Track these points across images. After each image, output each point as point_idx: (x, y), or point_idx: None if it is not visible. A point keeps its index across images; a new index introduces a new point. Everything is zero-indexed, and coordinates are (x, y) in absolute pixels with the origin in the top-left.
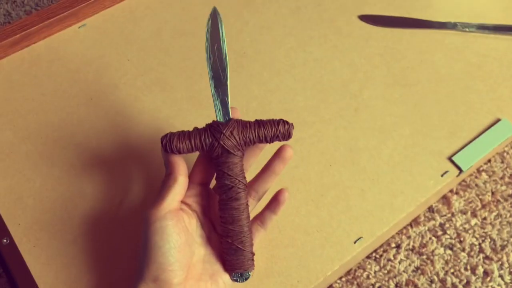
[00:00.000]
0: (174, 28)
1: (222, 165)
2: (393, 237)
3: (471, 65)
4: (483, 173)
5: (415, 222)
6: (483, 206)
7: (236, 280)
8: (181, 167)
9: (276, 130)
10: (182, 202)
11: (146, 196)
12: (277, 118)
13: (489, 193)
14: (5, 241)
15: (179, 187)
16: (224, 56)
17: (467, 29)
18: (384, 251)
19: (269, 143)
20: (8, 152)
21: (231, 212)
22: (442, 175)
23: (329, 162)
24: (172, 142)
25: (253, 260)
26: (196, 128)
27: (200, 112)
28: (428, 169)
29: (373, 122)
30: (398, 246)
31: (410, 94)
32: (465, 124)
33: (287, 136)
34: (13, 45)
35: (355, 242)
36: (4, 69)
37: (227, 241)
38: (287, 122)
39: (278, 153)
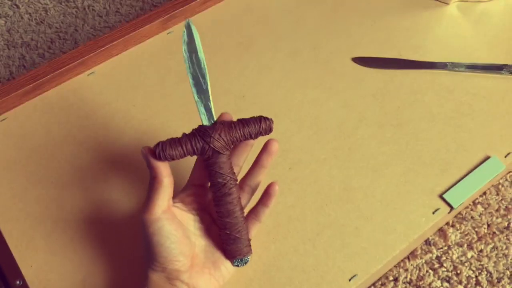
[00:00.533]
0: (178, 74)
1: (214, 165)
2: (391, 270)
3: (461, 103)
4: (479, 206)
5: (412, 255)
6: (479, 239)
7: (237, 265)
8: (164, 169)
9: (259, 127)
10: (180, 201)
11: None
12: (257, 115)
13: (485, 226)
14: (18, 283)
15: (166, 189)
16: (202, 64)
17: (456, 69)
18: (382, 284)
19: (254, 139)
20: (22, 196)
21: (226, 207)
22: (433, 213)
23: (325, 201)
24: (165, 151)
25: (250, 245)
26: (184, 134)
27: None
28: (420, 206)
29: (367, 161)
30: (395, 279)
31: (402, 133)
32: (456, 161)
33: (268, 130)
34: (26, 94)
35: (350, 280)
36: (18, 117)
37: (226, 233)
38: (267, 118)
39: (264, 148)
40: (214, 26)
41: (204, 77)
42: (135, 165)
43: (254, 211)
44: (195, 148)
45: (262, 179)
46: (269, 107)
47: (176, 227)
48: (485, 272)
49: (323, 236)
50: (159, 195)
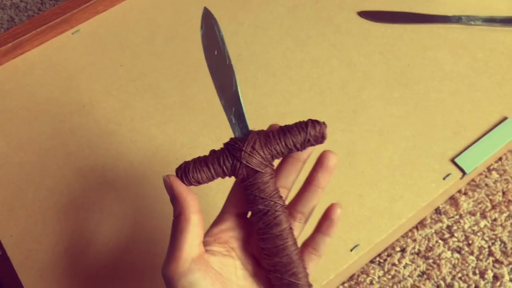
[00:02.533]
0: (167, 31)
1: (251, 187)
2: (397, 240)
3: (477, 60)
4: (494, 172)
5: (421, 224)
6: (493, 207)
7: None
8: (192, 202)
9: (306, 133)
10: (215, 240)
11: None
12: (304, 120)
13: (500, 193)
14: None
15: (195, 228)
16: (227, 62)
17: (472, 23)
18: (388, 255)
19: (301, 150)
20: (1, 163)
21: (273, 241)
22: (444, 178)
23: None
24: (188, 173)
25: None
26: (213, 151)
27: (193, 118)
28: (429, 171)
29: (372, 124)
30: (403, 250)
31: (412, 93)
32: (470, 123)
33: (320, 138)
34: (6, 54)
35: (351, 250)
36: None
37: (277, 276)
38: (317, 122)
39: (319, 162)
40: None
41: (231, 78)
42: (123, 129)
43: (311, 242)
44: (224, 167)
45: (318, 202)
46: (267, 67)
47: (213, 282)
48: (499, 242)
49: (324, 204)
50: (187, 238)
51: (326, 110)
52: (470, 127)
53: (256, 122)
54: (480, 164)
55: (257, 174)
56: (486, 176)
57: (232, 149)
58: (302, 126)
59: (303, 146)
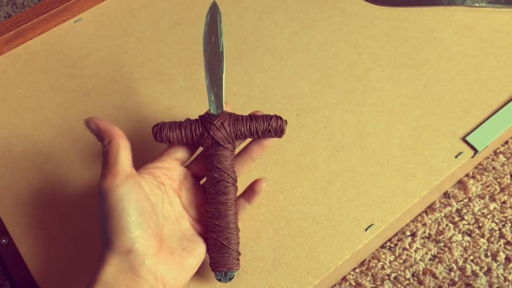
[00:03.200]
0: (172, 17)
1: (212, 157)
2: (407, 225)
3: (482, 41)
4: (501, 155)
5: (430, 208)
6: (502, 190)
7: (220, 280)
8: (118, 131)
9: (268, 124)
10: (149, 173)
11: None
12: (271, 114)
13: (508, 176)
14: (4, 241)
15: (126, 150)
16: (220, 49)
17: (477, 4)
18: (399, 239)
19: (261, 137)
20: (6, 151)
21: (218, 207)
22: (456, 157)
23: (336, 148)
24: (162, 131)
25: (238, 259)
26: (188, 119)
27: (200, 102)
28: (441, 151)
29: (381, 105)
30: (413, 234)
31: (419, 74)
32: (479, 102)
33: (279, 132)
34: (8, 43)
35: (366, 230)
36: (0, 67)
37: (212, 237)
38: (280, 118)
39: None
40: None
41: (220, 62)
42: (130, 115)
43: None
44: (194, 133)
45: (246, 171)
46: (273, 50)
47: (145, 198)
48: (509, 224)
49: (335, 184)
50: (120, 157)
51: (334, 92)
52: (480, 105)
53: (265, 105)
54: (492, 141)
55: (219, 146)
56: (493, 160)
57: (204, 121)
58: (267, 117)
59: (263, 134)
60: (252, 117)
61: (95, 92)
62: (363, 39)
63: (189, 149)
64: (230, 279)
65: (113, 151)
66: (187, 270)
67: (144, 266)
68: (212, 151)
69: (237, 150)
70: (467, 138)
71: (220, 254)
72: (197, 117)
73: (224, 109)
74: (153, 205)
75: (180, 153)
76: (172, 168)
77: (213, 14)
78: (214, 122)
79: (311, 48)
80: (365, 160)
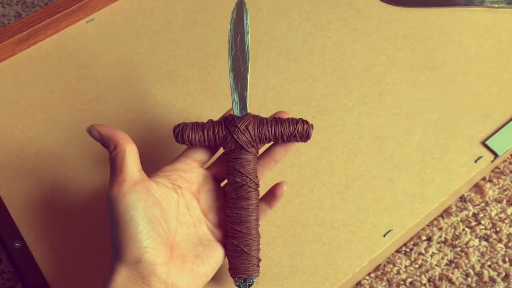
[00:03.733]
0: (185, 18)
1: (234, 161)
2: (423, 229)
3: (502, 42)
4: None
5: (446, 213)
6: None
7: (239, 286)
8: (122, 135)
9: (294, 129)
10: (166, 176)
11: None
12: (297, 118)
13: None
14: (17, 244)
15: (132, 155)
16: (246, 48)
17: (496, 5)
18: (415, 244)
19: (286, 142)
20: (18, 153)
21: (239, 212)
22: (475, 161)
23: (353, 151)
24: (184, 132)
25: (258, 266)
26: (211, 121)
27: (215, 104)
28: (460, 155)
29: (399, 108)
30: (429, 239)
31: (437, 76)
32: (499, 105)
33: (305, 136)
34: (20, 43)
35: (384, 236)
36: (12, 68)
37: (233, 243)
38: (307, 122)
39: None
40: None
41: (245, 62)
42: (144, 117)
43: None
44: (217, 136)
45: (268, 172)
46: (288, 52)
47: (153, 205)
48: None
49: (352, 189)
50: (126, 162)
51: (350, 94)
52: (499, 109)
53: (280, 107)
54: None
55: (242, 150)
56: (510, 163)
57: (228, 123)
58: (293, 121)
59: (288, 139)
60: (278, 120)
61: (108, 94)
62: (379, 40)
63: (209, 150)
64: (249, 286)
65: (119, 157)
66: (200, 278)
67: (154, 275)
68: (235, 155)
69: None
70: (487, 142)
71: (240, 261)
72: (220, 119)
73: (248, 111)
74: (163, 211)
75: (200, 155)
76: (190, 170)
77: (240, 11)
78: (239, 125)
79: (326, 50)
80: (383, 164)
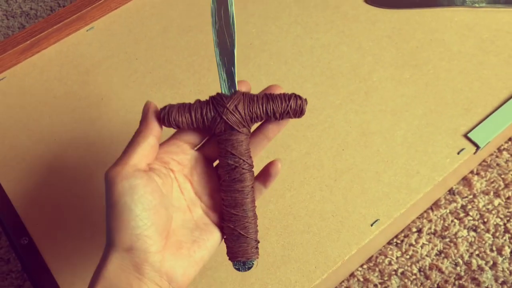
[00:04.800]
0: (180, 25)
1: (225, 142)
2: (413, 221)
3: (483, 40)
4: (504, 152)
5: (435, 205)
6: (506, 186)
7: (239, 269)
8: (156, 128)
9: (287, 105)
10: (157, 159)
11: None
12: (290, 93)
13: None
14: (24, 241)
15: (148, 147)
16: (231, 21)
17: (476, 5)
18: (405, 236)
19: (279, 119)
20: (24, 156)
21: (234, 195)
22: (458, 153)
23: (341, 146)
24: (170, 115)
25: (257, 248)
26: (198, 101)
27: None
28: (443, 147)
29: (385, 104)
30: (419, 231)
31: (421, 73)
32: (480, 100)
33: (299, 112)
34: (24, 52)
35: (372, 225)
36: (17, 75)
37: (229, 226)
38: (300, 97)
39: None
40: None
41: (231, 36)
42: (140, 117)
43: None
44: (205, 117)
45: (262, 150)
46: (279, 54)
47: (153, 191)
48: None
49: (341, 182)
50: (139, 149)
51: (338, 92)
52: (481, 103)
53: None
54: (493, 138)
55: (233, 131)
56: (497, 156)
57: (216, 103)
58: (285, 97)
59: (281, 116)
60: (269, 96)
61: (108, 98)
62: (365, 41)
63: (200, 132)
64: (249, 268)
65: (135, 142)
66: (197, 263)
67: (147, 263)
68: (226, 136)
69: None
70: (469, 135)
71: (238, 244)
72: (208, 98)
73: (237, 88)
74: (162, 198)
75: (191, 137)
76: (181, 152)
77: None
78: (227, 105)
79: (315, 51)
80: (369, 158)
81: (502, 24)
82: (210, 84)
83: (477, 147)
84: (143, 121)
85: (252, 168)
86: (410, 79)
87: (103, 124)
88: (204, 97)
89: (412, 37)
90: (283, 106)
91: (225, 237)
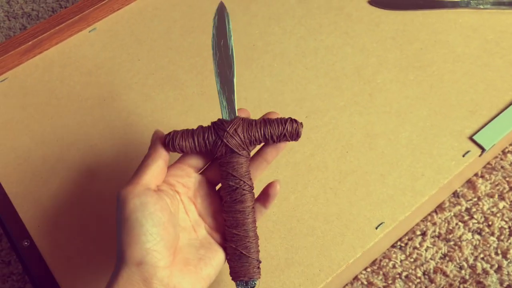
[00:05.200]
0: (183, 26)
1: (226, 165)
2: (417, 224)
3: (488, 42)
4: (509, 155)
5: (439, 208)
6: (511, 188)
7: None
8: (164, 152)
9: (283, 128)
10: (164, 181)
11: None
12: (286, 117)
13: None
14: (25, 243)
15: (158, 169)
16: (230, 52)
17: (481, 6)
18: (409, 239)
19: (276, 142)
20: (26, 157)
21: (235, 215)
22: (463, 155)
23: (346, 148)
24: (175, 140)
25: (259, 268)
26: (200, 126)
27: (212, 107)
28: (448, 150)
29: (389, 106)
30: (423, 234)
31: (426, 75)
32: (485, 102)
33: (295, 135)
34: (26, 53)
35: (376, 228)
36: (19, 76)
37: (231, 246)
38: (295, 121)
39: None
40: None
41: (230, 67)
42: (145, 120)
43: None
44: (207, 141)
45: (261, 173)
46: (282, 55)
47: (162, 209)
48: None
49: (345, 184)
50: (149, 171)
51: (342, 94)
52: (486, 105)
53: (274, 108)
54: (499, 140)
55: (233, 154)
56: (501, 159)
57: (217, 128)
58: (282, 121)
59: (278, 139)
60: (267, 121)
61: (111, 99)
62: (369, 42)
63: (203, 156)
64: None
65: (145, 164)
66: (204, 280)
67: (156, 278)
68: (227, 159)
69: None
70: (474, 137)
71: (240, 264)
72: (210, 124)
73: (236, 114)
74: (170, 216)
75: (194, 161)
76: (186, 175)
77: (221, 16)
78: (227, 129)
79: (319, 53)
80: (374, 160)
81: (506, 26)
82: (213, 85)
83: (483, 149)
84: (152, 146)
85: (252, 189)
86: (414, 81)
87: (106, 125)
88: (207, 97)
89: (416, 38)
90: (280, 129)
91: (228, 257)
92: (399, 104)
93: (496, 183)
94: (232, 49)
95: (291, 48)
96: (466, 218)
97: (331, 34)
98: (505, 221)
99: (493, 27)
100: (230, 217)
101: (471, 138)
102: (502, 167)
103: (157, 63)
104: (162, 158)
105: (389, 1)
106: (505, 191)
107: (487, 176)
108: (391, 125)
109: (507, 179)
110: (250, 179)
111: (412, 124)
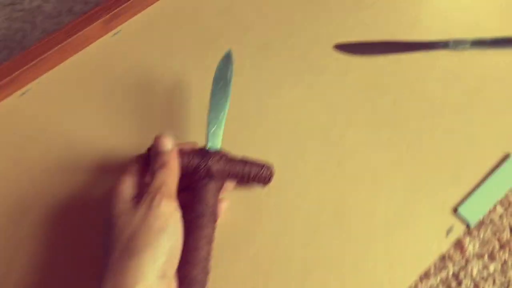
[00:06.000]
0: (124, 85)
1: (201, 189)
2: None
3: (470, 90)
4: (498, 206)
5: (425, 274)
6: (502, 247)
7: None
8: (176, 158)
9: (260, 171)
10: None
11: None
12: (264, 161)
13: (507, 230)
14: None
15: (176, 178)
16: (227, 94)
17: (461, 46)
18: None
19: (249, 182)
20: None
21: (192, 241)
22: (447, 234)
23: (313, 228)
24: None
25: None
26: (192, 149)
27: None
28: (429, 227)
29: (361, 175)
30: None
31: (401, 134)
32: (469, 163)
33: (267, 180)
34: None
35: None
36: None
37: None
38: (271, 169)
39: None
40: (167, 20)
41: (223, 109)
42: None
43: None
44: (191, 161)
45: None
46: (238, 115)
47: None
48: None
49: (312, 281)
50: (174, 180)
51: (307, 162)
52: (470, 168)
53: None
54: (486, 212)
55: (210, 180)
56: (490, 211)
57: (203, 153)
58: (260, 164)
59: (253, 179)
60: (246, 161)
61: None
62: (336, 96)
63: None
64: None
65: (168, 173)
66: None
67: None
68: (203, 183)
69: None
70: (459, 210)
71: None
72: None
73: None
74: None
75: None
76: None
77: (227, 62)
78: (213, 156)
79: (280, 110)
80: (344, 243)
81: (489, 69)
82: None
83: (468, 225)
84: (162, 153)
85: (216, 222)
86: (388, 142)
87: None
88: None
89: (389, 89)
90: (256, 171)
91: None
92: (371, 172)
93: (486, 240)
94: (229, 91)
95: (249, 107)
96: (454, 284)
97: (294, 88)
98: (497, 286)
99: (475, 71)
100: (188, 240)
101: (454, 210)
102: (491, 220)
103: (98, 130)
104: (178, 168)
105: (357, 46)
106: (495, 250)
107: (475, 232)
108: (363, 198)
109: (497, 235)
110: (216, 214)
111: (387, 198)
